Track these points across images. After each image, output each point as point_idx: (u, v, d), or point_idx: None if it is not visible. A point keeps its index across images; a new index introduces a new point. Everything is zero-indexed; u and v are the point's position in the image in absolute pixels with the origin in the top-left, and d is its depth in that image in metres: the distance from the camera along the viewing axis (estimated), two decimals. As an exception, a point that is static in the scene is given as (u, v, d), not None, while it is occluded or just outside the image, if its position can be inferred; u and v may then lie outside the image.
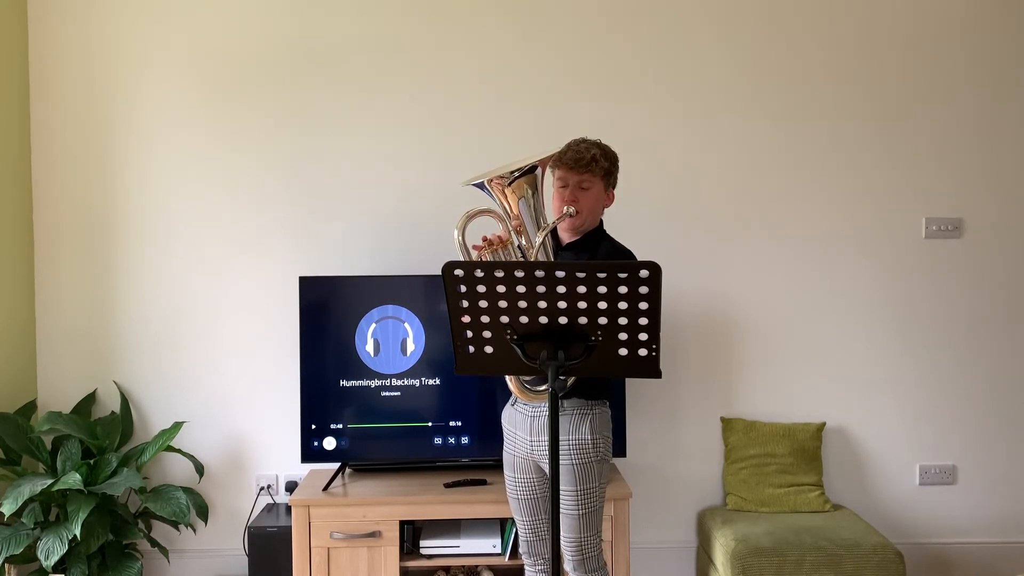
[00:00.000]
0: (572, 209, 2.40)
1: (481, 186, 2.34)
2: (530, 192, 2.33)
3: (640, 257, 2.31)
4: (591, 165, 2.44)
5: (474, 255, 2.39)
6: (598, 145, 2.48)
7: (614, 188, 2.54)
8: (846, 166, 3.57)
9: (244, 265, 3.54)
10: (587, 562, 2.49)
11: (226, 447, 3.57)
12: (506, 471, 2.60)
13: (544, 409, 2.46)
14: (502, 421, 2.62)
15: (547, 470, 2.48)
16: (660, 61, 3.54)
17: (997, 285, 3.60)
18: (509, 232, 2.40)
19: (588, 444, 2.44)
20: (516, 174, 2.30)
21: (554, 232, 2.52)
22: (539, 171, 2.33)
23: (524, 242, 2.39)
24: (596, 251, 2.49)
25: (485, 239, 2.41)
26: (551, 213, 2.47)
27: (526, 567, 2.66)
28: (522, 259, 2.39)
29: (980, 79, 3.57)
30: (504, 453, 2.60)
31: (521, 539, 2.62)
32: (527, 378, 2.43)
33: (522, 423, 2.52)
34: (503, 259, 2.38)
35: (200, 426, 3.54)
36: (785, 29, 3.55)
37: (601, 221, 2.55)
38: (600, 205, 2.51)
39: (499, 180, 2.31)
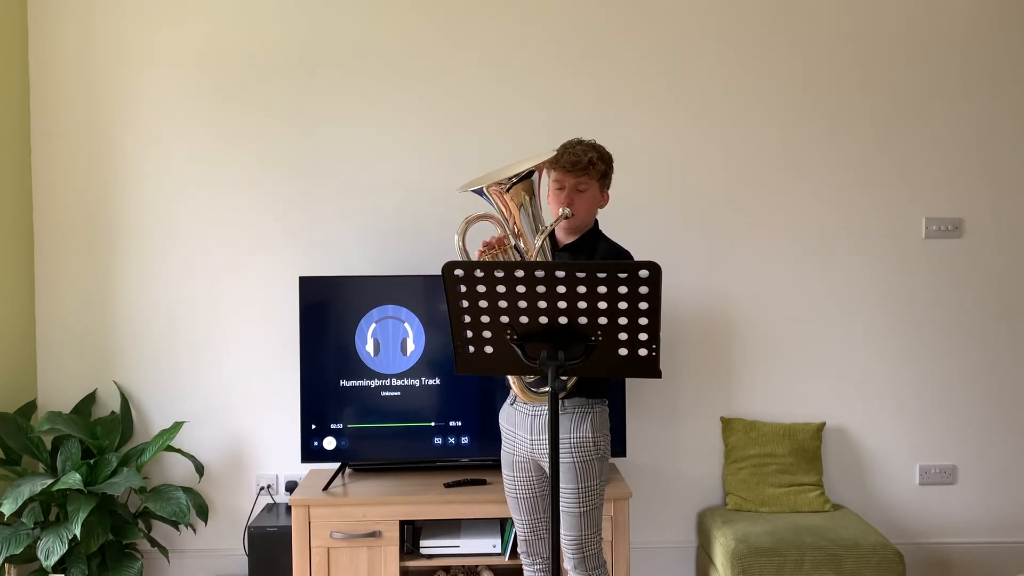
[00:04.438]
0: (568, 211, 2.42)
1: (480, 192, 2.34)
2: (528, 198, 2.34)
3: (639, 257, 2.31)
4: (588, 168, 2.46)
5: (475, 259, 2.40)
6: (594, 147, 2.50)
7: (609, 189, 2.56)
8: (846, 166, 3.57)
9: (244, 265, 3.54)
10: (587, 560, 2.50)
11: (226, 447, 3.57)
12: (504, 471, 2.60)
13: (544, 409, 2.47)
14: (500, 421, 2.62)
15: (547, 469, 2.49)
16: (662, 62, 3.54)
17: (997, 285, 3.60)
18: (508, 235, 2.41)
19: (589, 442, 2.45)
20: (514, 180, 2.30)
21: (551, 233, 2.53)
22: (536, 176, 2.34)
23: (523, 245, 2.40)
24: (594, 251, 2.51)
25: (485, 244, 2.41)
26: (548, 214, 2.48)
27: (524, 567, 2.67)
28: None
29: (980, 79, 3.57)
30: (503, 453, 2.61)
31: (520, 538, 2.63)
32: (530, 379, 2.44)
33: (522, 422, 2.53)
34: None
35: (200, 426, 3.54)
36: (786, 30, 3.55)
37: (596, 221, 2.57)
38: (595, 206, 2.54)
39: (497, 186, 2.31)
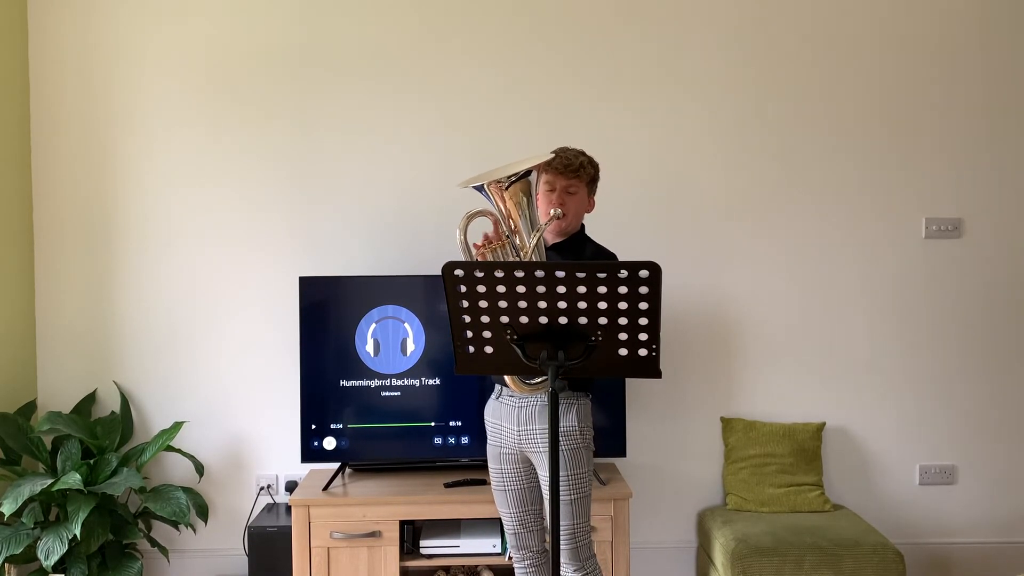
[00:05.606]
0: (559, 211, 2.52)
1: (480, 188, 2.40)
2: (524, 198, 2.42)
3: (639, 257, 2.32)
4: (579, 171, 2.58)
5: (474, 253, 2.44)
6: (584, 154, 2.63)
7: (594, 196, 2.67)
8: (846, 166, 3.57)
9: (244, 265, 3.54)
10: (580, 550, 2.54)
11: (226, 447, 3.57)
12: (491, 465, 2.66)
13: (530, 399, 2.54)
14: (485, 416, 2.68)
15: (534, 459, 2.57)
16: (661, 63, 3.54)
17: (997, 285, 3.60)
18: (505, 231, 2.45)
19: (576, 431, 2.52)
20: (512, 178, 2.37)
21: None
22: (534, 176, 2.42)
23: (519, 241, 2.44)
24: (581, 253, 2.60)
25: (485, 236, 2.45)
26: (539, 216, 2.54)
27: (515, 563, 2.69)
28: (518, 259, 2.43)
29: (980, 79, 3.57)
30: (488, 447, 2.66)
31: (508, 533, 2.67)
32: None
33: (507, 414, 2.58)
34: (502, 258, 2.42)
35: (200, 426, 3.54)
36: (784, 31, 3.55)
37: (583, 225, 2.66)
38: (583, 210, 2.64)
39: (496, 184, 2.38)
